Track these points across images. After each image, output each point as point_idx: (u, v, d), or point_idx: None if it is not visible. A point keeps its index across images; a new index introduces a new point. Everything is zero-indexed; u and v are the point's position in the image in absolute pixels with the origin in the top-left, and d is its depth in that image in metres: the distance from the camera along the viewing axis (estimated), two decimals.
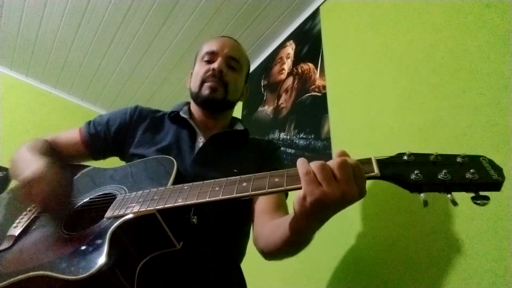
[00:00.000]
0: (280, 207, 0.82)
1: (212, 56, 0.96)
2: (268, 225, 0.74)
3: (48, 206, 0.66)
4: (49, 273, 0.51)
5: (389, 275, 0.86)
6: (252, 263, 0.92)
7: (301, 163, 0.50)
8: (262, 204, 0.83)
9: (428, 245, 0.81)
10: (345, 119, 1.29)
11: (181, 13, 1.93)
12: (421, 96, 1.00)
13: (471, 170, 0.44)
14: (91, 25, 2.04)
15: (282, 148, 1.55)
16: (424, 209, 0.84)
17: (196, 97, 0.95)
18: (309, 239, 0.61)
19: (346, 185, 0.46)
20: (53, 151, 0.86)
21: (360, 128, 1.19)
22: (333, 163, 0.48)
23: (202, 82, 0.93)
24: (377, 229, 0.96)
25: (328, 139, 1.31)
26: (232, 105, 1.01)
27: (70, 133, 0.93)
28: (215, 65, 0.92)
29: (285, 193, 0.89)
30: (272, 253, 0.71)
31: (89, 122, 0.95)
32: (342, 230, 1.05)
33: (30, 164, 0.68)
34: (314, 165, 0.48)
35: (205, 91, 0.92)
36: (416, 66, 1.06)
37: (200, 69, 0.95)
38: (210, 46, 0.98)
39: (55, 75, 2.44)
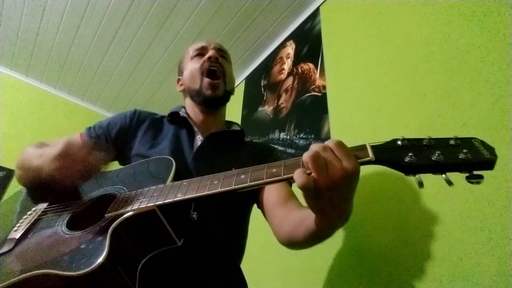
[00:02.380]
0: (291, 197, 0.83)
1: (202, 51, 0.99)
2: (287, 219, 0.74)
3: (80, 177, 0.64)
4: (51, 270, 0.51)
5: (390, 274, 0.87)
6: (252, 263, 0.92)
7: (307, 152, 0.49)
8: (272, 198, 0.84)
9: (428, 244, 0.81)
10: (345, 119, 1.29)
11: (181, 13, 1.93)
12: (421, 96, 1.00)
13: (464, 150, 0.45)
14: (91, 25, 2.04)
15: (282, 148, 1.57)
16: (424, 208, 0.85)
17: (198, 94, 0.95)
18: (333, 232, 0.60)
19: (347, 160, 0.47)
20: None
21: (360, 128, 1.19)
22: (329, 143, 0.49)
23: (201, 73, 0.94)
24: (378, 227, 0.96)
25: (328, 139, 1.30)
26: (229, 97, 1.03)
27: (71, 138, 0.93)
28: (210, 53, 0.96)
29: (289, 183, 0.90)
30: (296, 246, 0.73)
31: (89, 128, 0.95)
32: (341, 228, 1.06)
33: (45, 151, 0.66)
34: (316, 147, 0.49)
35: (206, 90, 0.93)
36: (416, 66, 1.06)
37: (194, 65, 0.97)
38: (197, 44, 1.02)
39: (55, 75, 2.44)
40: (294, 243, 0.72)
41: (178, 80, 1.06)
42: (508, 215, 0.70)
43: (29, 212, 0.71)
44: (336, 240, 1.05)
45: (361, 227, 1.01)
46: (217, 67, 0.95)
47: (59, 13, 1.98)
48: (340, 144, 0.49)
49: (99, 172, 0.66)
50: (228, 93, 1.00)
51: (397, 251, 0.88)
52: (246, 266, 0.87)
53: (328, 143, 0.49)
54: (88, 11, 1.96)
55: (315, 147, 0.49)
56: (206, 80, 0.93)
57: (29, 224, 0.67)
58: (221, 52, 1.01)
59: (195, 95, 0.97)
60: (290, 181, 0.51)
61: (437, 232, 0.81)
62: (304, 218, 0.63)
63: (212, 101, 0.95)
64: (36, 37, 2.14)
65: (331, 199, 0.49)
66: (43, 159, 0.65)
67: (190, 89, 0.98)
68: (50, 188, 0.66)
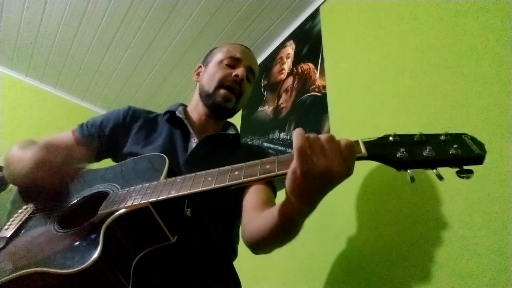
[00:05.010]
0: (269, 202, 0.82)
1: (235, 62, 0.97)
2: (257, 218, 0.74)
3: (62, 181, 0.64)
4: (44, 269, 0.50)
5: (391, 274, 0.86)
6: (251, 264, 0.91)
7: (297, 133, 0.48)
8: (251, 200, 0.83)
9: (429, 244, 0.80)
10: (345, 119, 1.28)
11: (181, 13, 1.93)
12: (421, 96, 0.99)
13: (454, 146, 0.45)
14: (91, 25, 2.04)
15: (282, 148, 1.57)
16: (421, 209, 0.84)
17: (207, 97, 0.95)
18: (298, 225, 0.60)
19: (332, 159, 0.47)
20: None
21: (360, 128, 1.18)
22: (323, 136, 0.49)
23: (220, 84, 0.93)
24: (376, 228, 0.95)
25: None
26: (233, 115, 1.02)
27: (62, 135, 0.92)
28: (239, 72, 0.94)
29: (274, 191, 0.90)
30: (259, 244, 0.72)
31: (81, 125, 0.94)
32: (340, 229, 1.05)
33: (25, 155, 0.66)
34: (309, 135, 0.49)
35: (219, 97, 0.93)
36: (415, 66, 1.06)
37: (220, 71, 0.95)
38: (234, 51, 0.99)
39: (55, 75, 2.44)
40: (258, 241, 0.71)
41: (199, 67, 1.04)
42: (508, 214, 0.69)
43: (20, 210, 0.70)
44: (337, 241, 1.04)
45: (362, 227, 1.00)
46: (235, 88, 0.94)
47: (59, 13, 1.98)
48: (331, 139, 0.49)
49: (79, 173, 0.67)
50: (234, 111, 0.99)
51: (397, 251, 0.87)
52: (246, 266, 0.86)
53: (321, 136, 0.49)
54: (88, 11, 1.95)
55: (304, 136, 0.48)
56: (222, 90, 0.93)
57: (20, 222, 0.66)
58: (250, 74, 0.99)
59: (205, 97, 0.96)
60: (280, 178, 0.52)
61: (438, 233, 0.80)
62: (270, 213, 0.63)
63: (219, 109, 0.95)
64: (36, 37, 2.14)
65: (308, 187, 0.49)
66: (22, 164, 0.64)
67: (203, 88, 0.97)
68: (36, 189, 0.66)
